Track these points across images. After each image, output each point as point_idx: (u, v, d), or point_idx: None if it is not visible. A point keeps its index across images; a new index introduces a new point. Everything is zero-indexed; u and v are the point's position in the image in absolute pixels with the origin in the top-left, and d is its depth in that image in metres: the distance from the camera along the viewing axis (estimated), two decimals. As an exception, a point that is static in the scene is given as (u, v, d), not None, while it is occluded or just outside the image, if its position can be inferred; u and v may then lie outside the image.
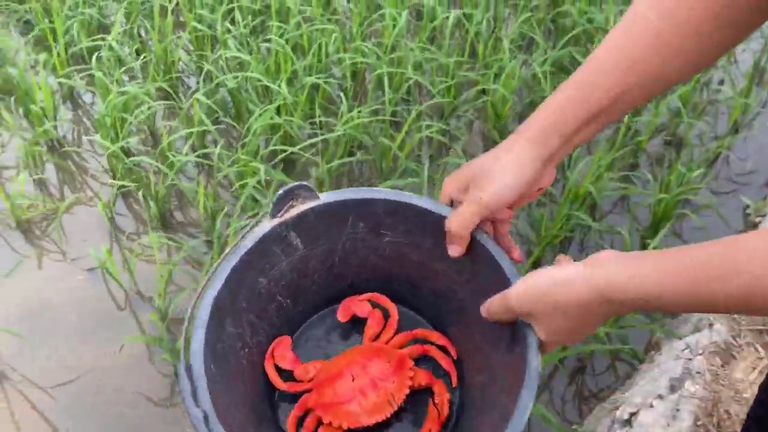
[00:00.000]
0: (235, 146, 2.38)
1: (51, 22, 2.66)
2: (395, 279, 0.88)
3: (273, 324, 0.84)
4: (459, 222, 0.74)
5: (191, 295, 1.93)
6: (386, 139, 2.20)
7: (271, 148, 2.16)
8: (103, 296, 1.95)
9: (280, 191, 0.79)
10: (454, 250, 0.76)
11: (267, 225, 0.79)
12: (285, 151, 2.20)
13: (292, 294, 0.86)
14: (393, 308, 0.88)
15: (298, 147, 2.15)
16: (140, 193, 2.10)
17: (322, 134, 2.24)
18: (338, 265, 0.87)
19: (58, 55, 2.58)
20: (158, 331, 1.82)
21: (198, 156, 2.25)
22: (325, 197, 0.81)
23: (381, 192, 0.81)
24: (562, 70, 2.50)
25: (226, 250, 0.77)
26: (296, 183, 0.80)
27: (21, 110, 2.49)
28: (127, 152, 2.32)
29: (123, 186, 2.19)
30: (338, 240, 0.84)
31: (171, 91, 2.47)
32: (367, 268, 0.88)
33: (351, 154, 2.35)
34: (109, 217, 2.14)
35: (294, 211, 0.79)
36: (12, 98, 2.47)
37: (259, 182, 2.03)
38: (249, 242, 0.77)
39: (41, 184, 2.27)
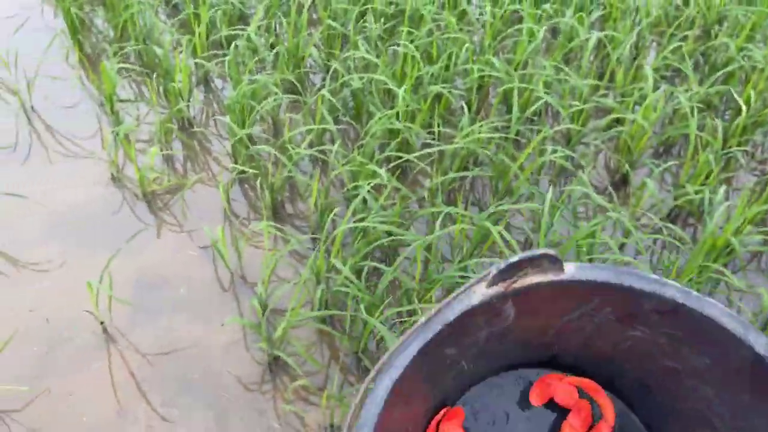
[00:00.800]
0: (350, 146, 2.39)
1: (196, 8, 2.80)
2: (623, 376, 0.71)
3: (444, 388, 0.73)
4: None
5: (292, 289, 1.95)
6: (507, 158, 2.11)
7: (387, 153, 2.13)
8: (211, 275, 2.01)
9: (516, 258, 0.65)
10: None
11: (480, 294, 0.66)
12: (400, 157, 2.17)
13: (477, 358, 0.73)
14: (610, 409, 0.70)
15: (414, 155, 2.11)
16: (258, 180, 2.14)
17: (440, 145, 2.18)
18: (549, 337, 0.72)
19: (199, 38, 2.71)
20: (257, 318, 1.85)
21: (316, 151, 2.27)
22: (574, 272, 0.65)
23: (658, 284, 0.63)
24: (710, 107, 2.29)
25: (420, 321, 0.65)
26: (541, 251, 0.65)
27: (161, 88, 2.64)
28: (251, 139, 2.39)
29: (243, 171, 2.25)
30: (565, 316, 0.69)
31: (297, 85, 2.52)
32: (588, 352, 0.71)
33: (466, 168, 2.28)
34: (225, 199, 2.20)
35: (524, 282, 0.65)
36: (154, 75, 2.62)
37: (372, 186, 2.01)
38: (451, 314, 0.65)
39: (169, 159, 2.39)
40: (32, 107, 2.54)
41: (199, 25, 2.70)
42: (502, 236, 2.02)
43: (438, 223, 1.84)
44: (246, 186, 2.31)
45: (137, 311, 1.88)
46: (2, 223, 2.09)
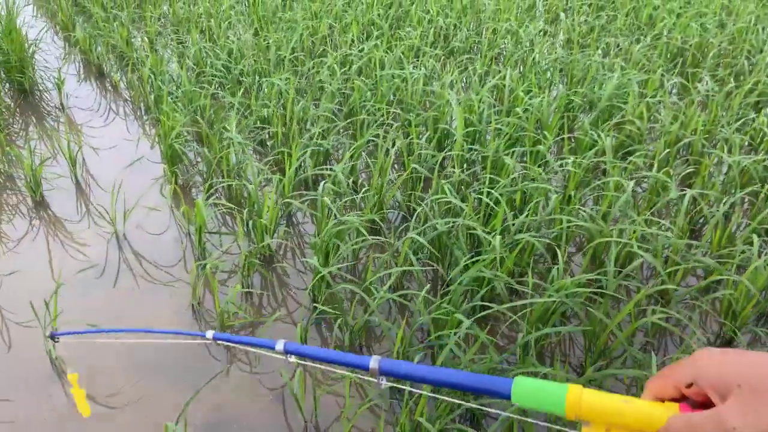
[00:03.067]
0: (432, 291, 2.33)
1: (289, 147, 2.95)
2: None
3: None
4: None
5: (371, 446, 1.79)
6: (603, 317, 1.99)
7: (475, 303, 2.05)
8: (283, 422, 1.89)
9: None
10: None
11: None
12: (488, 307, 2.09)
13: None
14: None
15: (505, 306, 2.02)
16: (337, 323, 2.09)
17: (531, 295, 2.09)
18: None
19: (288, 178, 2.82)
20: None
21: (398, 296, 2.22)
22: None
23: None
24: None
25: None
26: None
27: (249, 223, 2.71)
28: (332, 278, 2.37)
29: (323, 312, 2.20)
30: None
31: (380, 225, 2.53)
32: None
33: (556, 324, 2.16)
34: (303, 339, 2.14)
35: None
36: (244, 211, 2.71)
37: (459, 336, 1.91)
38: None
39: (249, 294, 2.38)
40: (124, 235, 2.63)
41: (290, 167, 2.83)
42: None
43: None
44: (324, 326, 2.25)
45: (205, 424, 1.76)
46: (80, 351, 2.07)
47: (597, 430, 0.60)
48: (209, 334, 0.95)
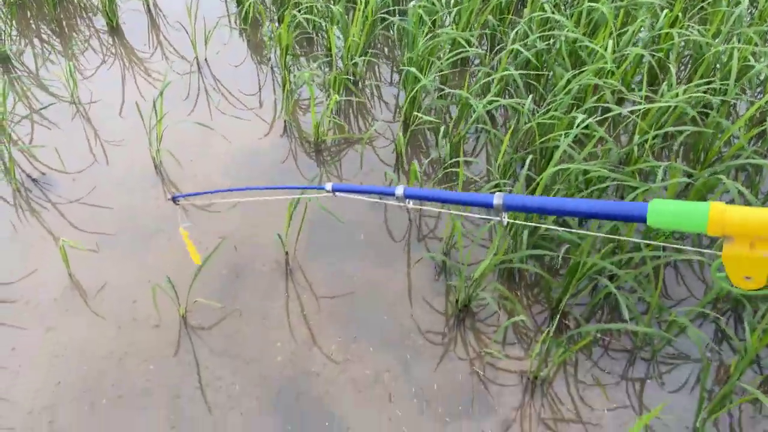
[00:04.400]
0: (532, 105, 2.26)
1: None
2: None
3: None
4: None
5: (473, 245, 1.81)
6: (723, 120, 1.90)
7: (589, 105, 1.98)
8: (386, 224, 1.92)
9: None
10: None
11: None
12: (604, 110, 2.02)
13: None
14: None
15: (628, 110, 1.94)
16: (441, 130, 2.05)
17: (642, 103, 2.01)
18: None
19: None
20: (438, 269, 1.73)
21: (502, 103, 2.16)
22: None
23: None
24: None
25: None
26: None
27: (333, 43, 2.63)
28: (427, 95, 2.32)
29: (421, 123, 2.17)
30: None
31: (476, 43, 2.43)
32: None
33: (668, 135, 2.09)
34: (401, 151, 2.12)
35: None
36: (330, 28, 2.61)
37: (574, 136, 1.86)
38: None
39: (342, 110, 2.35)
40: (206, 59, 2.59)
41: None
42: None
43: (659, 176, 1.66)
44: (419, 139, 2.23)
45: (318, 249, 1.81)
46: (192, 151, 2.10)
47: (741, 245, 0.61)
48: (328, 186, 0.91)
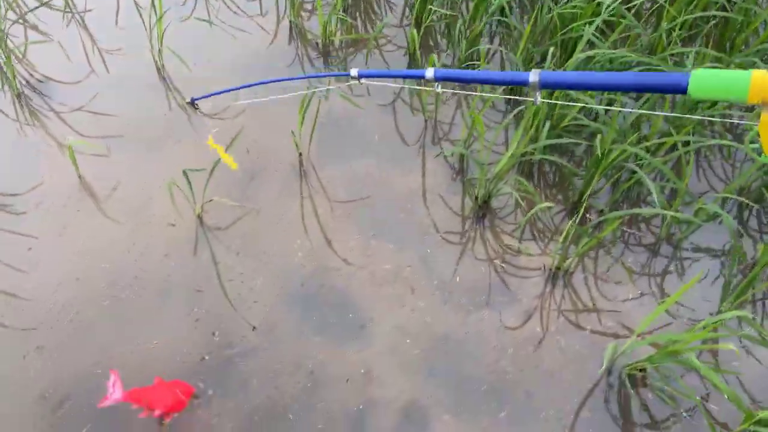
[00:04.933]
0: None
1: None
2: None
3: None
4: None
5: (496, 136, 1.75)
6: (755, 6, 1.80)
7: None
8: (401, 123, 1.86)
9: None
10: None
11: None
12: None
13: None
14: None
15: None
16: (458, 24, 1.95)
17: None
18: None
19: None
20: (455, 166, 1.68)
21: None
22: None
23: None
24: None
25: None
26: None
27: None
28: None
29: (437, 18, 2.06)
30: None
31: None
32: None
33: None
34: (411, 52, 2.03)
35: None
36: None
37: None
38: None
39: (349, 8, 2.23)
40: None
41: None
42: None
43: (691, 62, 1.59)
44: (433, 39, 2.13)
45: (333, 150, 1.76)
46: (195, 55, 2.00)
47: None
48: (353, 71, 0.84)
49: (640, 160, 1.61)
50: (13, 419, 1.22)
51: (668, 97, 1.71)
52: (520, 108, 1.76)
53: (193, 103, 1.17)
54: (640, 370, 1.34)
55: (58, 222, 1.55)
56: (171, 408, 1.16)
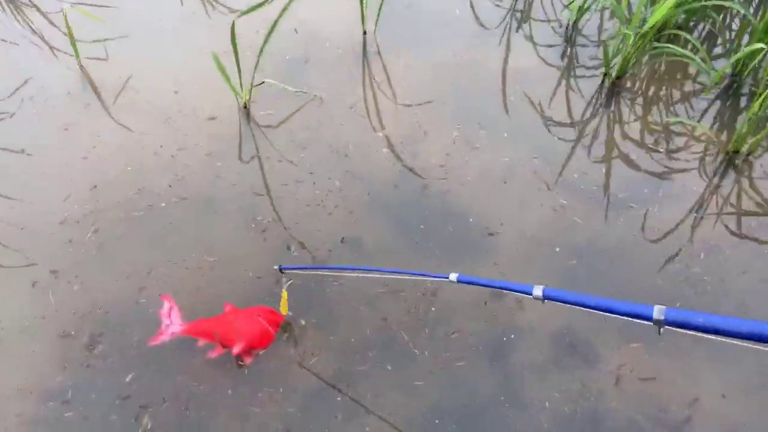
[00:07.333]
0: None
1: None
2: None
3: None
4: None
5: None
6: None
7: None
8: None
9: None
10: None
11: None
12: None
13: None
14: None
15: None
16: None
17: None
18: None
19: None
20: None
21: None
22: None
23: None
24: None
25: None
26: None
27: None
28: None
29: None
30: None
31: None
32: None
33: None
34: None
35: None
36: None
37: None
38: None
39: None
40: None
41: None
42: None
43: None
44: None
45: (396, 28, 1.39)
46: None
47: None
48: (453, 276, 0.56)
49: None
50: (29, 370, 0.87)
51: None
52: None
53: (281, 270, 0.92)
54: None
55: (60, 118, 1.17)
56: (254, 343, 0.82)
